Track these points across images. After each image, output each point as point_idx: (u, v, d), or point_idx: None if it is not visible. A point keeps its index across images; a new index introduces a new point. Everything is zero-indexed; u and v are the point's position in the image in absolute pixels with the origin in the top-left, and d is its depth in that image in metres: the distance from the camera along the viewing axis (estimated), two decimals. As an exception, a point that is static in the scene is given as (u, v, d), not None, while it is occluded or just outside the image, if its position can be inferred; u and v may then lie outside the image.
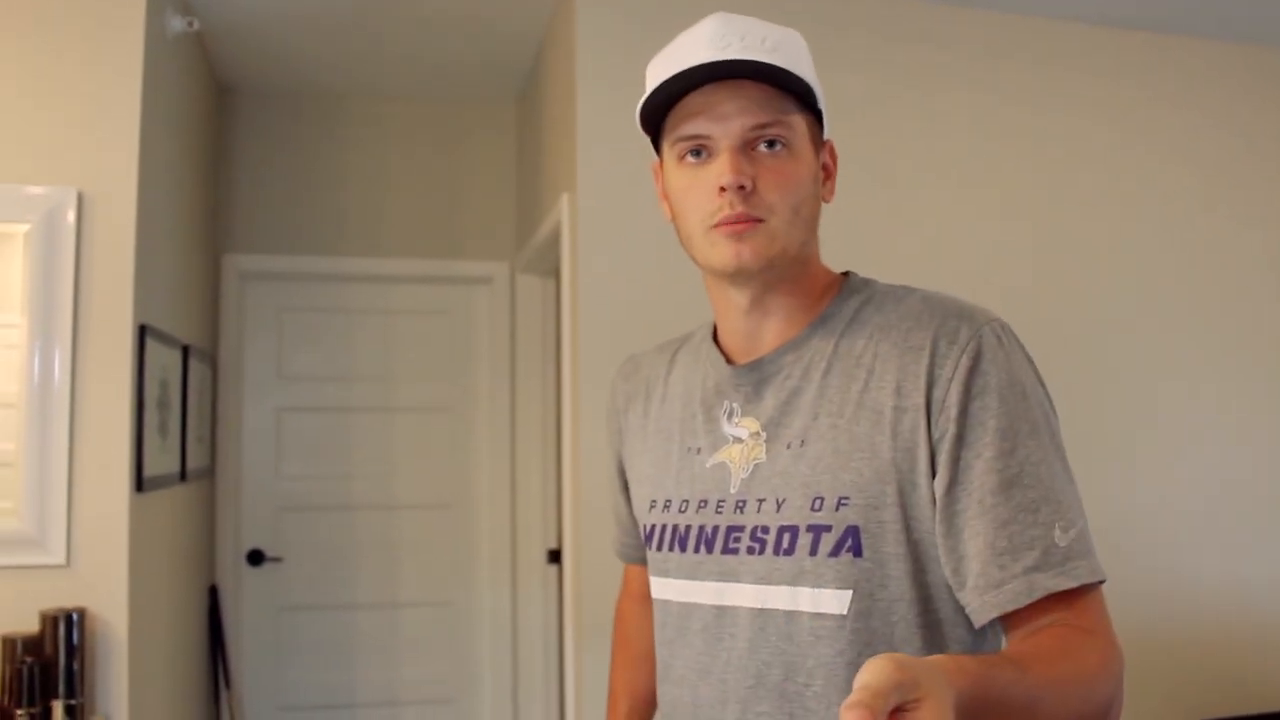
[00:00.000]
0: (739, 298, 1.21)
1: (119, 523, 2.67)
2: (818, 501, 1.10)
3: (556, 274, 4.08)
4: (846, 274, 1.26)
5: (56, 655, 2.53)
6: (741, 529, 1.16)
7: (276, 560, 4.09)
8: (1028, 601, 1.01)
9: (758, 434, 1.18)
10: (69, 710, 2.53)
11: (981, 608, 1.03)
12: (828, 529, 1.09)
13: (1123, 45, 3.58)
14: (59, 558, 2.62)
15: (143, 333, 2.77)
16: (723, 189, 1.12)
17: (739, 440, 1.20)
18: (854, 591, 1.08)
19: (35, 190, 2.66)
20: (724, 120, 1.13)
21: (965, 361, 1.07)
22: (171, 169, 3.18)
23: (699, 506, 1.22)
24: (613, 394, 1.48)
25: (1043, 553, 1.01)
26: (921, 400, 1.08)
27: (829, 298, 1.22)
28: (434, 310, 4.28)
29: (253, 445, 4.10)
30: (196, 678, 3.72)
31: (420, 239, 4.24)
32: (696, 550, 1.21)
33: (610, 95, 3.01)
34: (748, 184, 1.11)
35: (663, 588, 1.28)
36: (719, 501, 1.20)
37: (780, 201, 1.13)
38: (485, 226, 4.31)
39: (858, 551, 1.08)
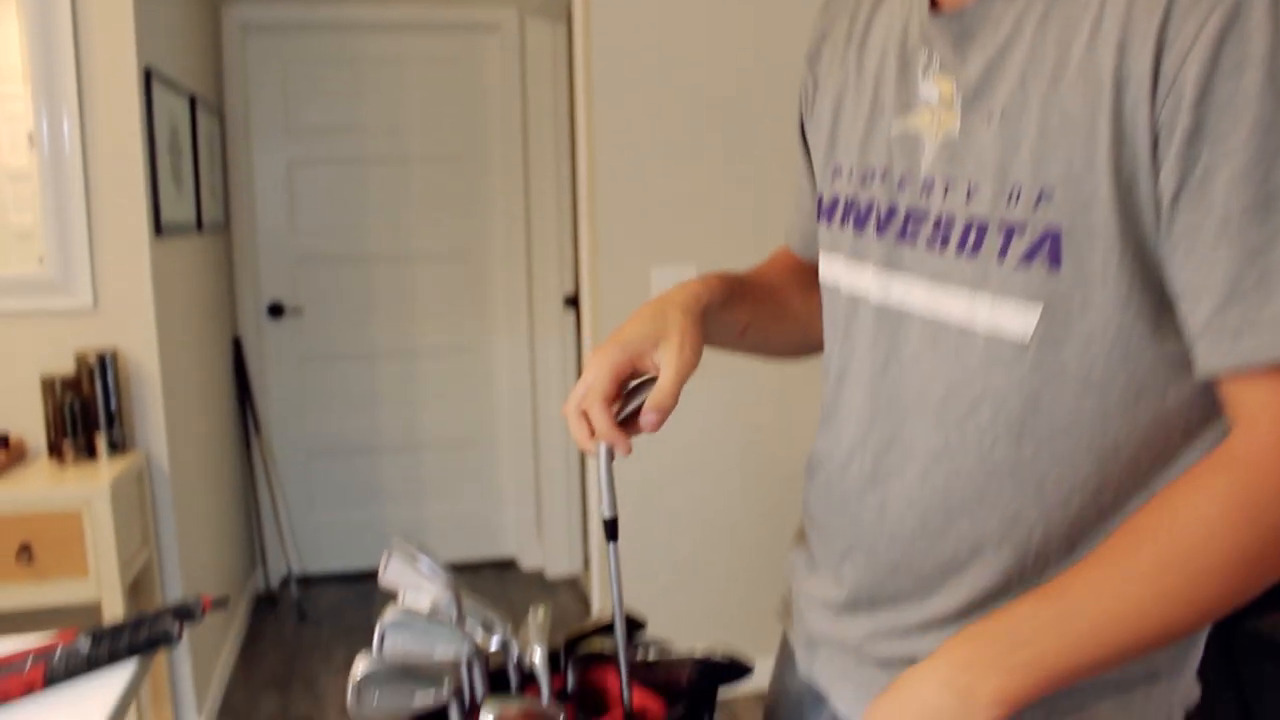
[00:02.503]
0: None
1: (142, 265, 2.71)
2: (1014, 192, 0.86)
3: (567, 17, 3.98)
4: None
5: (94, 393, 2.62)
6: (925, 215, 0.94)
7: (296, 312, 4.16)
8: (1274, 357, 0.76)
9: (953, 98, 0.92)
10: (111, 444, 2.64)
11: (1210, 357, 0.79)
12: (1021, 229, 0.85)
13: None
14: (86, 301, 2.68)
15: (149, 76, 2.74)
16: None
17: (930, 105, 0.95)
18: (1043, 312, 0.85)
19: (27, -74, 2.58)
20: None
21: (1216, 21, 0.74)
22: (164, -95, 3.07)
23: (881, 178, 1.00)
24: (815, 31, 1.18)
25: None
26: (1147, 68, 0.78)
27: None
28: (442, 58, 4.19)
29: (266, 199, 4.10)
30: (227, 422, 3.86)
31: (423, -17, 4.12)
32: (873, 230, 1.01)
33: None
34: None
35: (831, 269, 1.08)
36: (903, 177, 0.97)
37: None
38: (489, -31, 4.18)
39: (1055, 261, 0.84)
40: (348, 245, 4.18)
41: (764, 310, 1.20)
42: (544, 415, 4.28)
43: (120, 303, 2.71)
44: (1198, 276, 0.78)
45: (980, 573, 0.92)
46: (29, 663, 1.14)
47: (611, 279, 2.91)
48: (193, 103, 3.30)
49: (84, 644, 1.17)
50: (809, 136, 1.18)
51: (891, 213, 0.98)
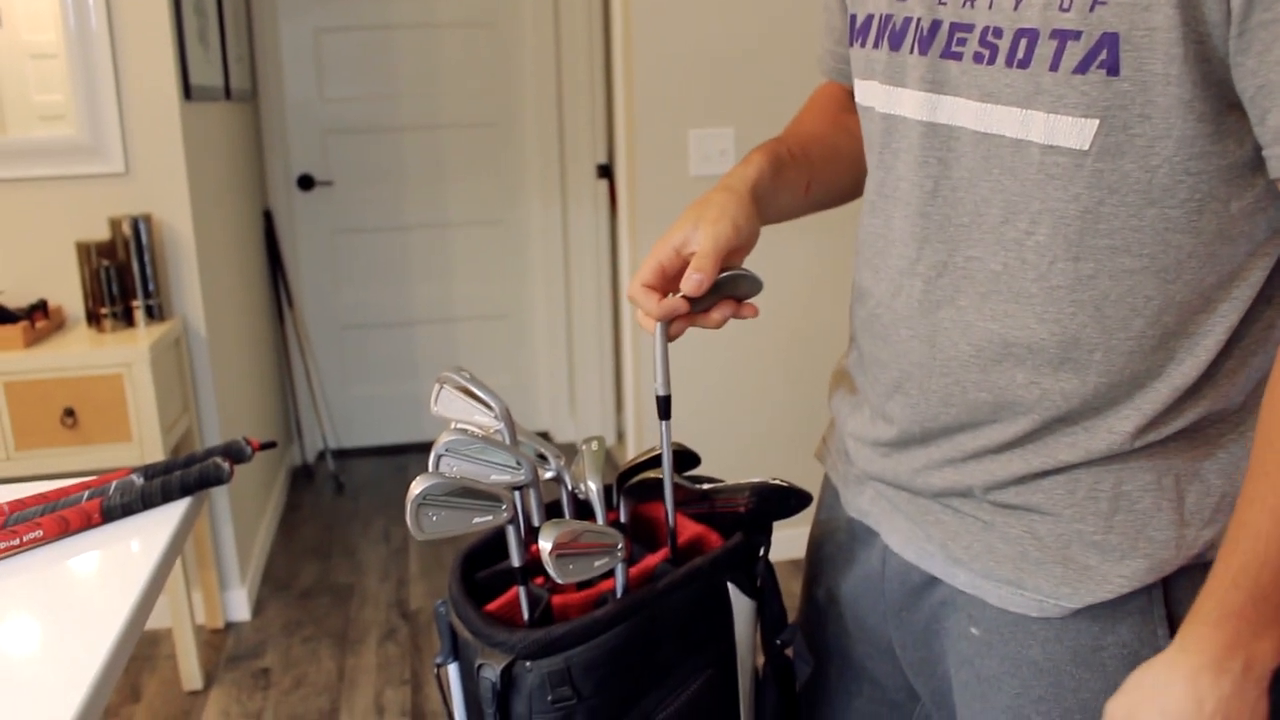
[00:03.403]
0: None
1: (172, 129, 2.68)
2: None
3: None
4: None
5: (129, 259, 2.61)
6: (970, 28, 0.88)
7: (327, 184, 4.12)
8: None
9: None
10: (148, 310, 2.64)
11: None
12: (1076, 36, 0.80)
13: None
14: (118, 165, 2.66)
15: (173, -67, 2.68)
16: None
17: None
18: (1101, 121, 0.81)
19: None
20: None
21: None
22: None
23: None
24: None
25: None
26: None
27: None
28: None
29: (293, 67, 4.03)
30: (261, 294, 3.86)
31: None
32: (911, 50, 0.94)
33: None
34: None
35: (866, 92, 1.02)
36: None
37: None
38: None
39: (1113, 68, 0.79)
40: (377, 116, 4.12)
41: (818, 162, 1.16)
42: (577, 287, 4.26)
43: (152, 167, 2.69)
44: (1276, 75, 0.74)
45: (1038, 402, 0.90)
46: (86, 496, 1.14)
47: (648, 143, 2.86)
48: (216, -35, 3.23)
49: (138, 479, 1.18)
50: None
51: (935, 28, 0.91)
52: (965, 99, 0.89)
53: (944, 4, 0.90)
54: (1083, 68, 0.80)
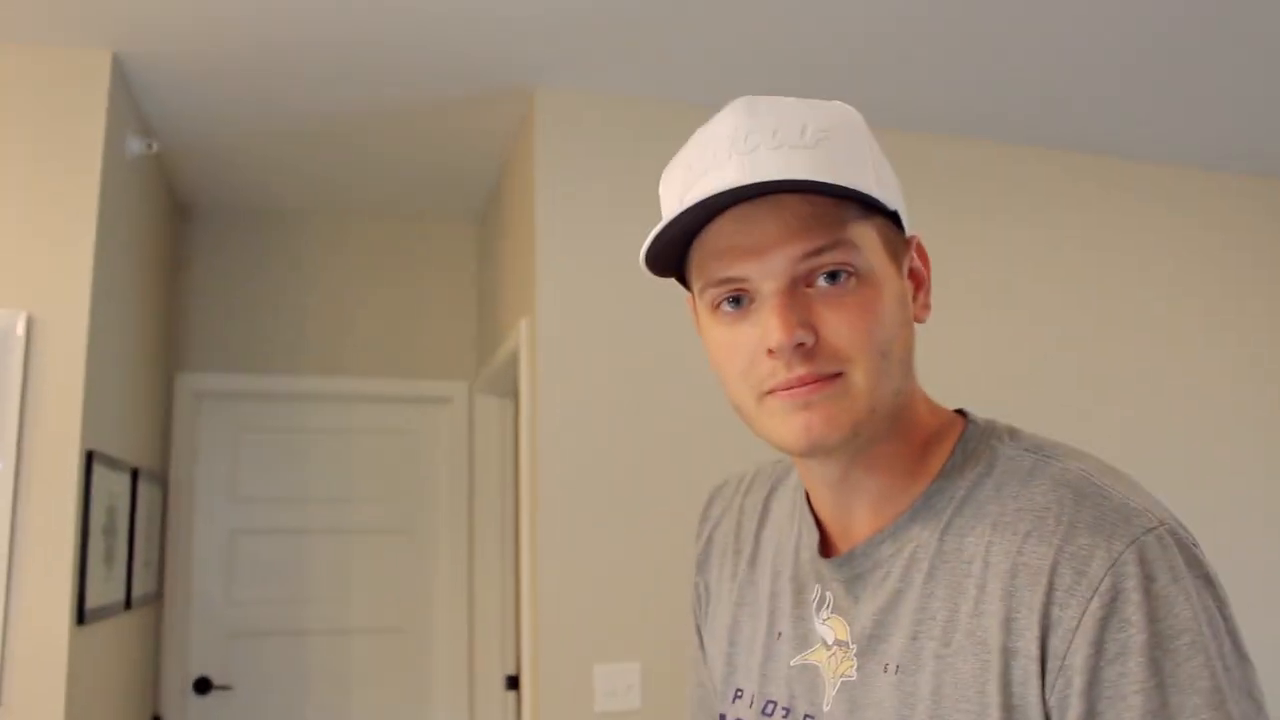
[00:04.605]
0: (822, 471, 0.94)
1: (57, 658, 2.57)
2: None
3: (515, 395, 4.06)
4: (963, 417, 0.95)
5: (-14, 800, 2.42)
6: None
7: (225, 689, 3.95)
8: None
9: (847, 644, 0.91)
10: None
11: None
12: None
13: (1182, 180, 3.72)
14: (-8, 697, 2.52)
15: (90, 459, 2.71)
16: (771, 352, 0.83)
17: (826, 644, 0.93)
18: None
19: (-17, 315, 2.62)
20: (763, 255, 0.83)
21: (1096, 607, 0.76)
22: (126, 290, 3.15)
23: (785, 713, 0.96)
24: (698, 538, 1.19)
25: None
26: (1035, 648, 0.78)
27: (936, 460, 0.91)
28: (393, 430, 4.23)
29: (203, 569, 3.99)
30: (137, 816, 3.57)
31: (380, 358, 4.21)
32: None
33: (568, 222, 3.02)
34: (808, 339, 0.83)
35: None
36: (807, 714, 0.94)
37: (860, 346, 0.83)
38: (445, 347, 4.29)
39: None
40: (284, 619, 4.03)
41: None
42: (481, 804, 4.01)
43: (28, 700, 2.54)
44: None
45: None
46: None
47: (553, 671, 2.80)
48: (134, 476, 3.26)
49: None
50: (706, 645, 1.14)
51: None
52: None
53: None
54: None
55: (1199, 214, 3.80)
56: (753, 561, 1.06)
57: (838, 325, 0.83)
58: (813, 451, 0.85)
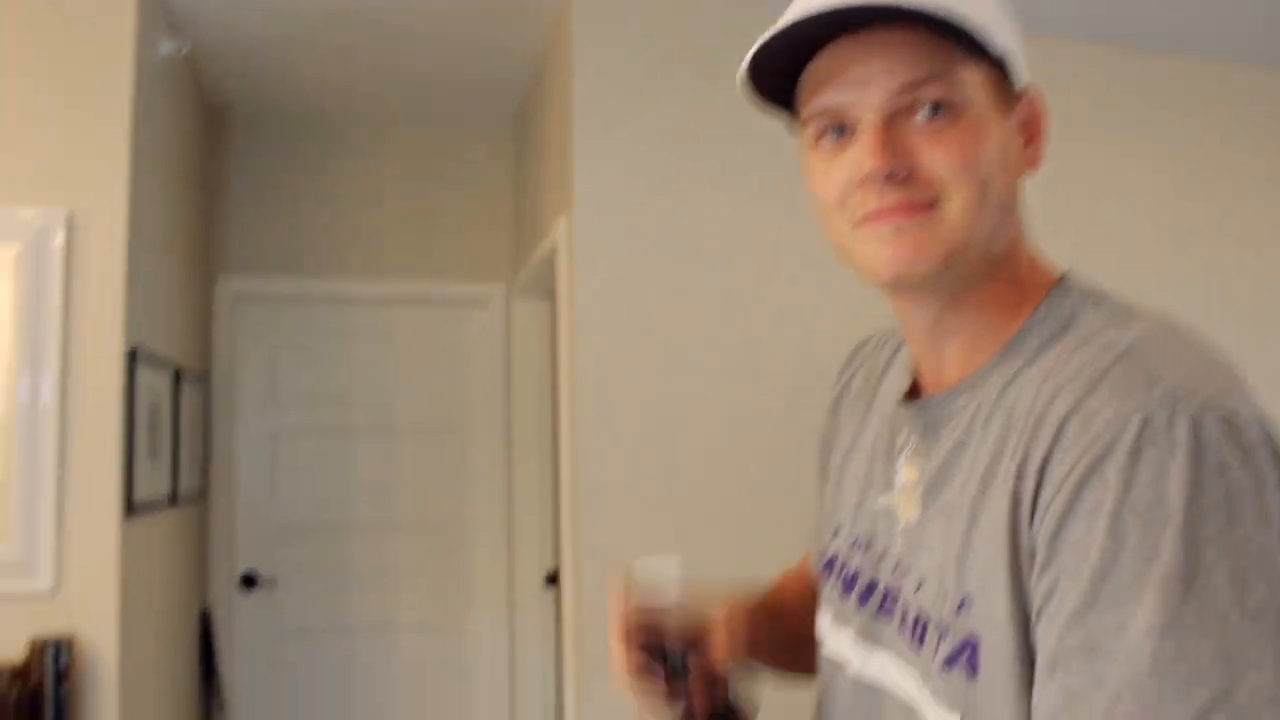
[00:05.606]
0: (917, 315, 0.93)
1: (109, 548, 2.63)
2: (944, 595, 0.85)
3: (553, 297, 4.06)
4: (1063, 277, 0.91)
5: (43, 684, 2.49)
6: (898, 596, 0.92)
7: (270, 584, 4.04)
8: None
9: (917, 487, 0.92)
10: (56, 740, 2.49)
11: None
12: (947, 633, 0.83)
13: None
14: (47, 584, 2.58)
15: (133, 355, 2.74)
16: (865, 181, 0.84)
17: (904, 488, 0.95)
18: (961, 718, 0.81)
19: (24, 212, 2.63)
20: (864, 84, 0.83)
21: (1085, 462, 0.73)
22: (163, 190, 3.16)
23: (866, 548, 1.00)
24: (834, 384, 1.19)
25: None
26: (1030, 497, 0.77)
27: (1025, 315, 0.88)
28: (430, 333, 4.25)
29: (247, 468, 4.05)
30: (189, 704, 3.67)
31: (416, 260, 4.21)
32: (856, 599, 0.99)
33: (608, 115, 2.99)
34: (900, 169, 0.83)
35: (822, 624, 1.07)
36: (884, 552, 0.96)
37: (957, 175, 0.82)
38: (482, 249, 4.28)
39: (973, 669, 0.80)
40: (327, 517, 4.10)
41: (780, 637, 1.20)
42: (522, 699, 4.10)
43: (83, 587, 2.61)
44: (1039, 705, 0.74)
45: None
46: None
47: (593, 567, 2.83)
48: (177, 375, 3.30)
49: None
50: (822, 485, 1.18)
51: (872, 586, 0.97)
52: (891, 659, 0.92)
53: (882, 566, 0.96)
54: (949, 664, 0.82)
55: None
56: (870, 408, 1.08)
57: (935, 155, 0.82)
58: (901, 280, 0.85)
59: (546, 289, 3.96)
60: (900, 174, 0.82)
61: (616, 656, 1.08)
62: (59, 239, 2.63)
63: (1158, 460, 0.70)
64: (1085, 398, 0.76)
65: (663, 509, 2.86)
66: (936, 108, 0.82)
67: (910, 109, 0.83)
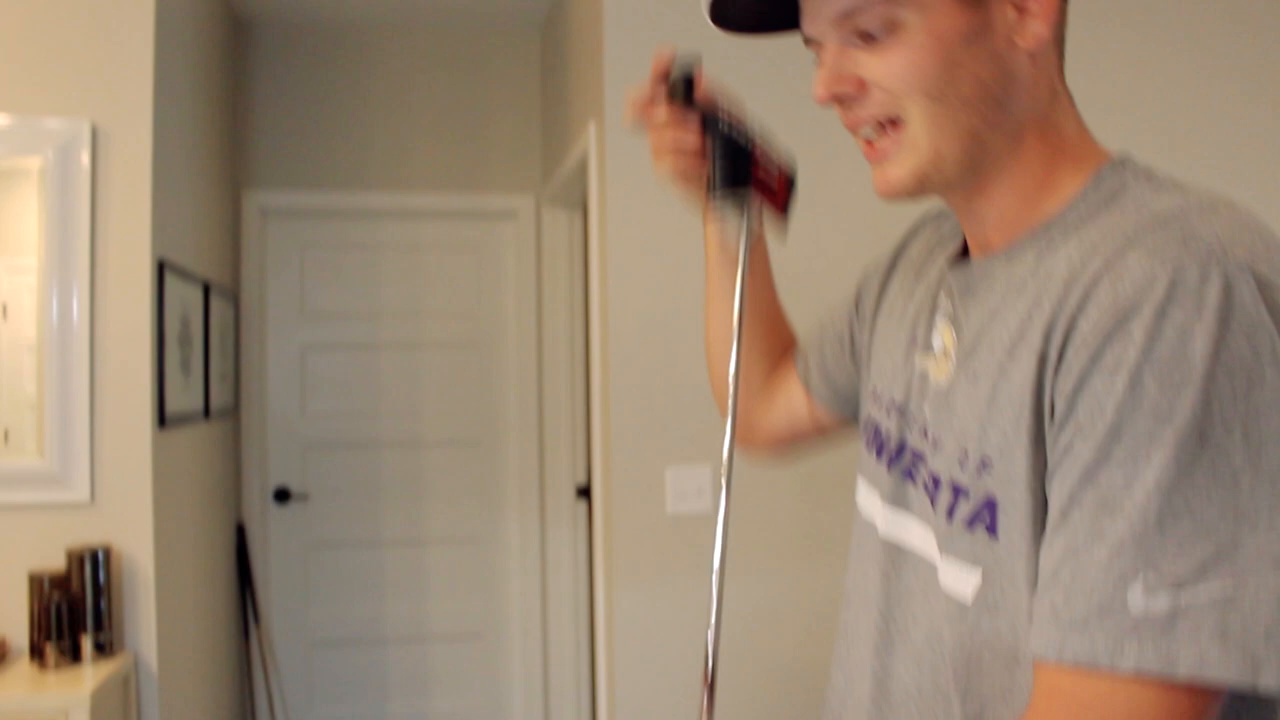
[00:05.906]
0: (949, 202, 0.96)
1: (142, 459, 2.64)
2: (963, 456, 0.85)
3: (583, 207, 4.01)
4: (1117, 156, 0.89)
5: (83, 592, 2.52)
6: (924, 458, 0.93)
7: (303, 498, 4.07)
8: (1054, 659, 0.73)
9: (951, 350, 0.92)
10: (98, 646, 2.52)
11: (1028, 639, 0.78)
12: (967, 493, 0.84)
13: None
14: (83, 495, 2.60)
15: (161, 268, 2.73)
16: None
17: (940, 350, 0.95)
18: (983, 576, 0.83)
19: (49, 123, 2.60)
20: (814, 17, 0.89)
21: (1110, 319, 0.73)
22: (188, 102, 3.12)
23: (900, 412, 1.00)
24: (896, 245, 1.18)
25: (1099, 609, 0.70)
26: (1056, 353, 0.77)
27: (1070, 190, 0.87)
28: (459, 245, 4.21)
29: (277, 383, 4.06)
30: (225, 614, 3.73)
31: (444, 172, 4.17)
32: (886, 461, 1.02)
33: (638, 17, 2.91)
34: (846, 94, 0.88)
35: (858, 491, 1.09)
36: (914, 415, 0.97)
37: (908, 86, 0.84)
38: (510, 159, 4.22)
39: (992, 529, 0.82)
40: (358, 431, 4.12)
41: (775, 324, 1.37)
42: (554, 609, 4.13)
43: (118, 498, 2.63)
44: (1043, 558, 0.77)
45: None
46: None
47: (624, 477, 2.82)
48: (206, 290, 3.29)
49: None
50: (857, 338, 1.19)
51: (900, 449, 0.99)
52: (915, 521, 0.95)
53: (911, 429, 0.97)
54: (970, 524, 0.84)
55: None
56: (919, 276, 1.08)
57: (881, 71, 0.85)
58: (892, 200, 0.91)
59: (577, 199, 3.91)
60: (848, 97, 0.88)
61: (637, 87, 1.16)
62: (84, 150, 2.60)
63: (1184, 319, 0.70)
64: (1118, 257, 0.75)
65: (694, 417, 2.84)
66: (870, 35, 0.85)
67: (861, 34, 0.86)
